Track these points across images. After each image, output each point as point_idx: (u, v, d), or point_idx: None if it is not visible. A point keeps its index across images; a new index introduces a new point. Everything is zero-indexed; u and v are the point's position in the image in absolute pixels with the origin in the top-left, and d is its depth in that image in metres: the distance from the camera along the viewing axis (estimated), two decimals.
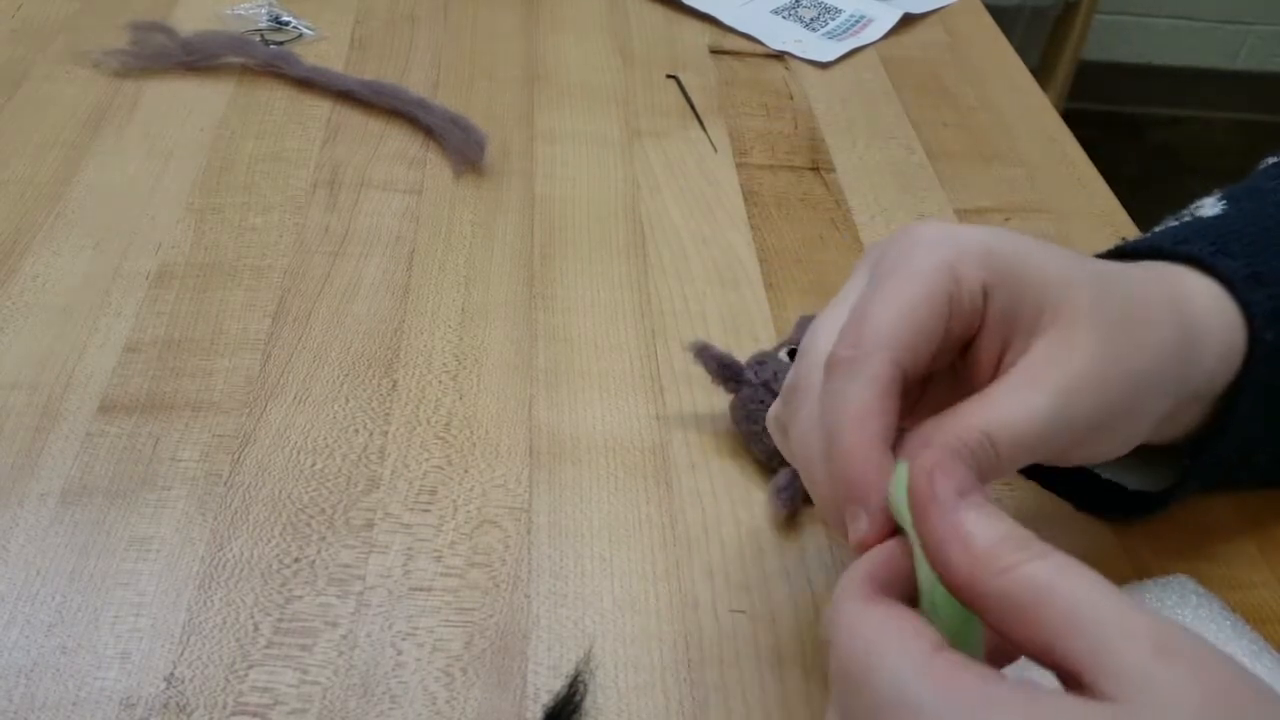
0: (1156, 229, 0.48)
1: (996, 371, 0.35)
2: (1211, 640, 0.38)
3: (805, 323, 0.52)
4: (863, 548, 0.31)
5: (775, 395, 0.47)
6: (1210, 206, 0.47)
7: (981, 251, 0.35)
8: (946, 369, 0.37)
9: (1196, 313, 0.39)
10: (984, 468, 0.33)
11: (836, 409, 0.32)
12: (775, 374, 0.48)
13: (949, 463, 0.29)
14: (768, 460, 0.48)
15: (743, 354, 0.50)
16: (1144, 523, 0.46)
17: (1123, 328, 0.35)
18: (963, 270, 0.34)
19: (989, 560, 0.27)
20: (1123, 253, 0.43)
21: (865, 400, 0.32)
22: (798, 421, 0.35)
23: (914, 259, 0.35)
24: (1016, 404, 0.33)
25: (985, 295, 0.35)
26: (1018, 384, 0.34)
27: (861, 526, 0.31)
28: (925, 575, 0.29)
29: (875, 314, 0.33)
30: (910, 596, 0.30)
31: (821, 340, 0.35)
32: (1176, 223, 0.47)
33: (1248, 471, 0.45)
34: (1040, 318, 0.35)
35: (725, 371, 0.49)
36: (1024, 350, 0.35)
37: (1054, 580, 0.26)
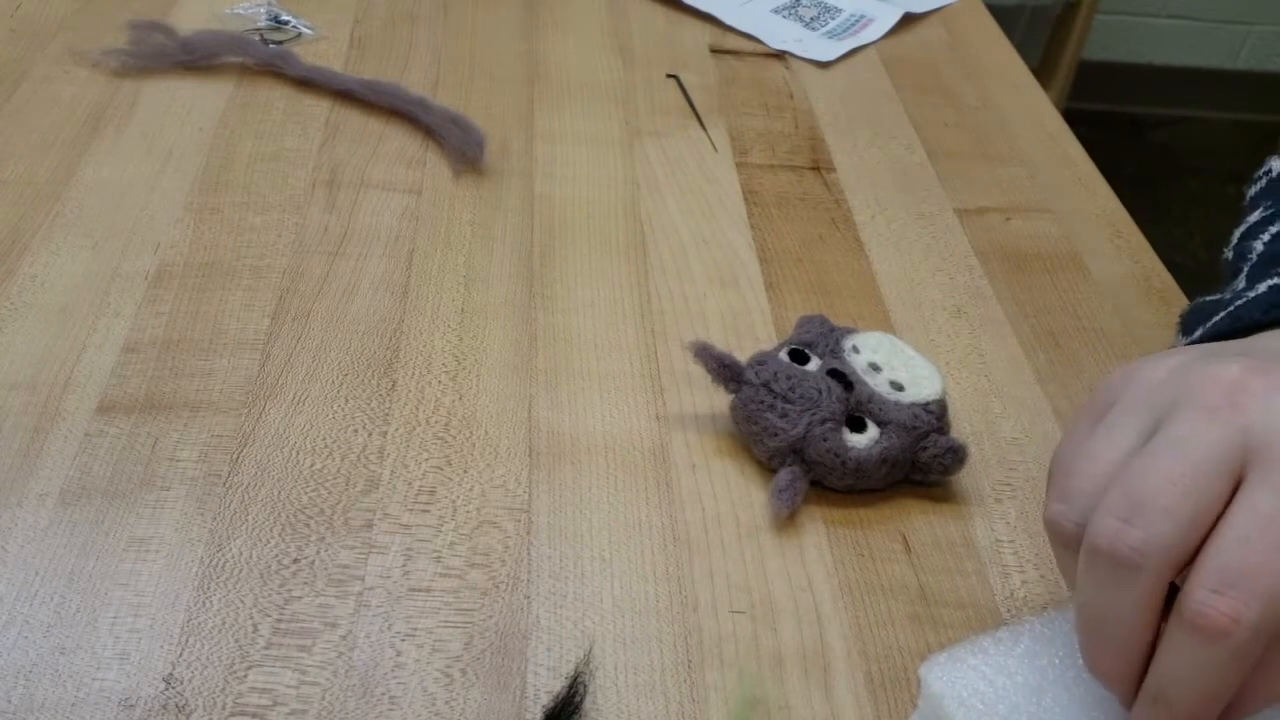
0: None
1: None
2: None
3: (805, 323, 0.52)
4: None
5: (775, 395, 0.47)
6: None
7: None
8: None
9: None
10: None
11: (1216, 682, 0.32)
12: (775, 374, 0.48)
13: None
14: (768, 460, 0.48)
15: (743, 354, 0.50)
16: None
17: None
18: None
19: None
20: None
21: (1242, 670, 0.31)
22: (1132, 593, 0.33)
23: None
24: None
25: None
26: None
27: None
28: None
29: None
30: None
31: (1149, 485, 0.32)
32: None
33: None
34: None
35: (725, 371, 0.49)
36: None
37: None
